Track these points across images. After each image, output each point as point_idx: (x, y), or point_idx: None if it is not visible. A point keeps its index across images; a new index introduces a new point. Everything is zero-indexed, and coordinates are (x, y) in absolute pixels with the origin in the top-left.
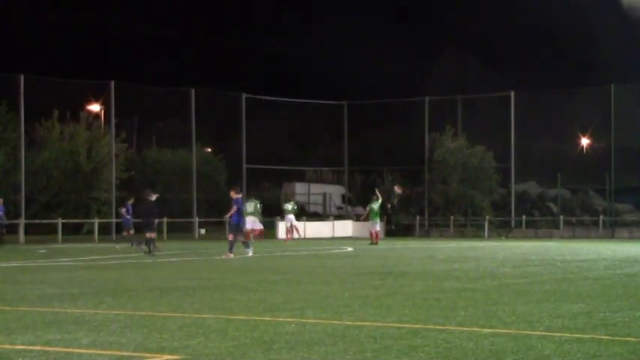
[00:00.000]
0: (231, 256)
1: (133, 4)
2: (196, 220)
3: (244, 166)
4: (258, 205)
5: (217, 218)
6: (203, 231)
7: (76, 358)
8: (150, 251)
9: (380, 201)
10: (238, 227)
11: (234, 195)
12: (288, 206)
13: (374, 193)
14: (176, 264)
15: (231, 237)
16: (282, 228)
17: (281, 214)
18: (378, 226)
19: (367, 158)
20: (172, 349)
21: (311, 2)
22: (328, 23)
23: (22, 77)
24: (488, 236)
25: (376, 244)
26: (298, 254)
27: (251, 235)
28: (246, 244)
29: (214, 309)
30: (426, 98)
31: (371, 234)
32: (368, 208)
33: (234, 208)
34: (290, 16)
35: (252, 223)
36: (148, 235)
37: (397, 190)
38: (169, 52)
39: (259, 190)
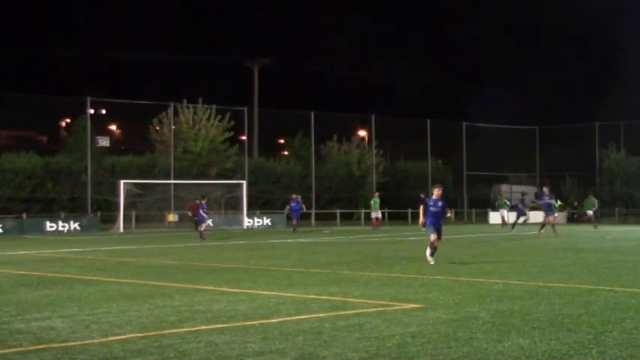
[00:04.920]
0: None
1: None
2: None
3: (465, 172)
4: (378, 200)
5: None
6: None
7: (350, 305)
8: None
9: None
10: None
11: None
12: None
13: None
14: (418, 242)
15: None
16: (493, 217)
17: (492, 207)
18: (555, 215)
19: (553, 166)
20: (415, 300)
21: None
22: (520, 54)
23: (312, 114)
24: None
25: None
26: (501, 236)
27: (378, 222)
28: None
29: (446, 273)
30: (597, 124)
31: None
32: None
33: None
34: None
35: (376, 212)
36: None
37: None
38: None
39: (475, 190)
